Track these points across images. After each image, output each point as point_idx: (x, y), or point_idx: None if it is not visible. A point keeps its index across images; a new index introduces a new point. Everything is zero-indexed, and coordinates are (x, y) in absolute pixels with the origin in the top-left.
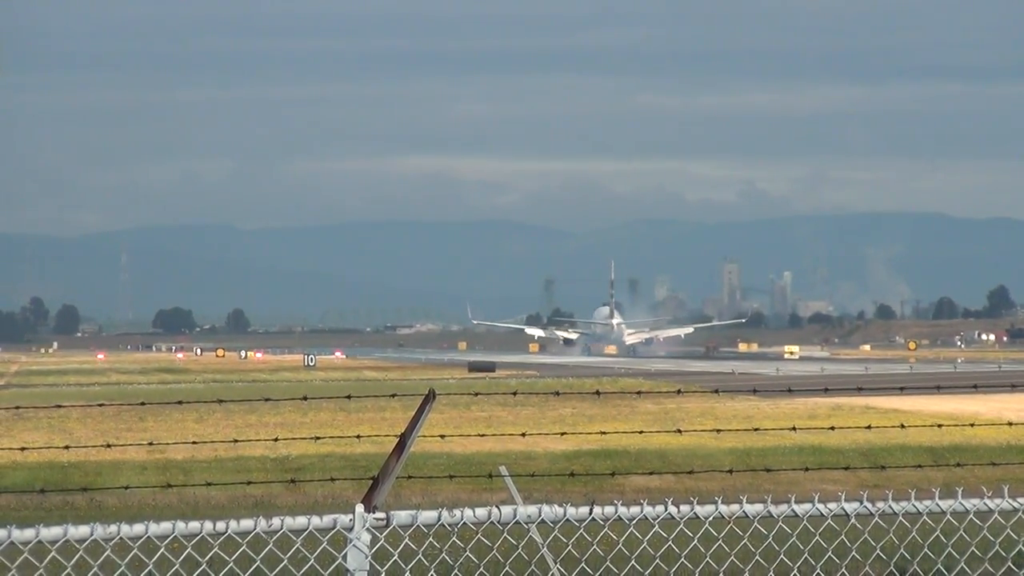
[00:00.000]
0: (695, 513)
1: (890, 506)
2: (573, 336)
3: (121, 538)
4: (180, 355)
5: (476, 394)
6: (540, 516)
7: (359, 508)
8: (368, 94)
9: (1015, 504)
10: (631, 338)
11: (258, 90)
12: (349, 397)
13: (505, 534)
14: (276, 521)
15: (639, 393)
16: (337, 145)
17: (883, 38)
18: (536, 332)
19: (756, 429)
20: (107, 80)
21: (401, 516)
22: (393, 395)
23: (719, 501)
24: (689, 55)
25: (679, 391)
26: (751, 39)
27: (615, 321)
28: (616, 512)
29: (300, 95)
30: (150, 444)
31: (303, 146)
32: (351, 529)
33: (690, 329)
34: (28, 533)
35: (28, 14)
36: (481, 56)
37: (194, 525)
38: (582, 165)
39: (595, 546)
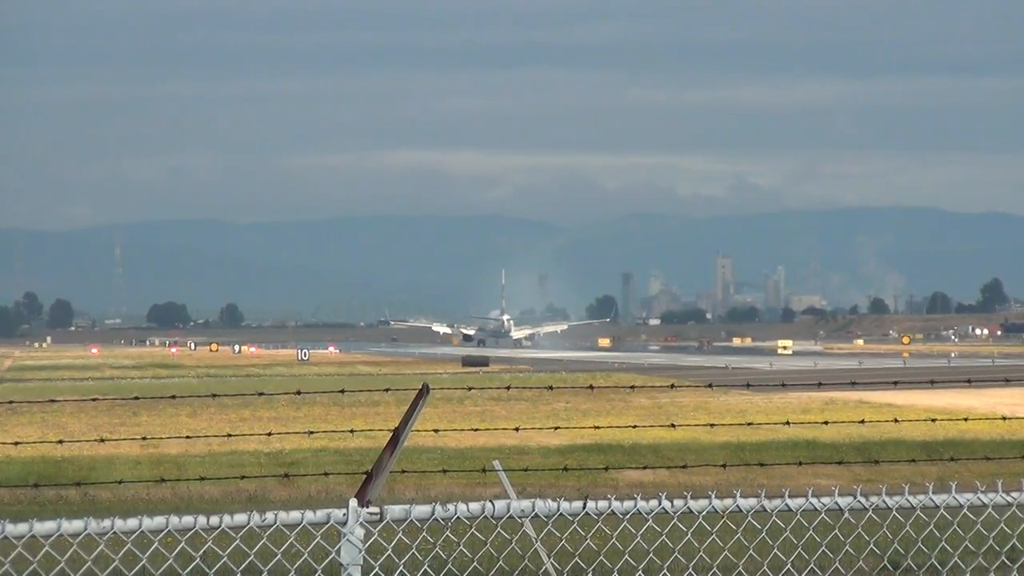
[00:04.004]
0: (689, 507)
1: (884, 500)
2: (471, 332)
3: (115, 532)
4: (174, 349)
5: (470, 388)
6: (534, 510)
7: (353, 503)
8: (357, 89)
9: (1009, 498)
10: (517, 334)
11: (247, 85)
12: (343, 391)
13: (499, 528)
14: (270, 516)
15: (632, 387)
16: (327, 140)
17: (872, 32)
18: (443, 329)
19: (750, 423)
20: (97, 74)
21: (395, 510)
22: (387, 389)
23: (713, 495)
24: (678, 49)
25: (672, 386)
26: (740, 33)
27: (505, 318)
28: (610, 506)
29: (289, 90)
30: (144, 439)
31: (293, 141)
32: (345, 524)
33: (564, 326)
34: (22, 527)
35: (18, 8)
36: (470, 50)
37: (188, 519)
38: (572, 159)
39: (588, 540)
